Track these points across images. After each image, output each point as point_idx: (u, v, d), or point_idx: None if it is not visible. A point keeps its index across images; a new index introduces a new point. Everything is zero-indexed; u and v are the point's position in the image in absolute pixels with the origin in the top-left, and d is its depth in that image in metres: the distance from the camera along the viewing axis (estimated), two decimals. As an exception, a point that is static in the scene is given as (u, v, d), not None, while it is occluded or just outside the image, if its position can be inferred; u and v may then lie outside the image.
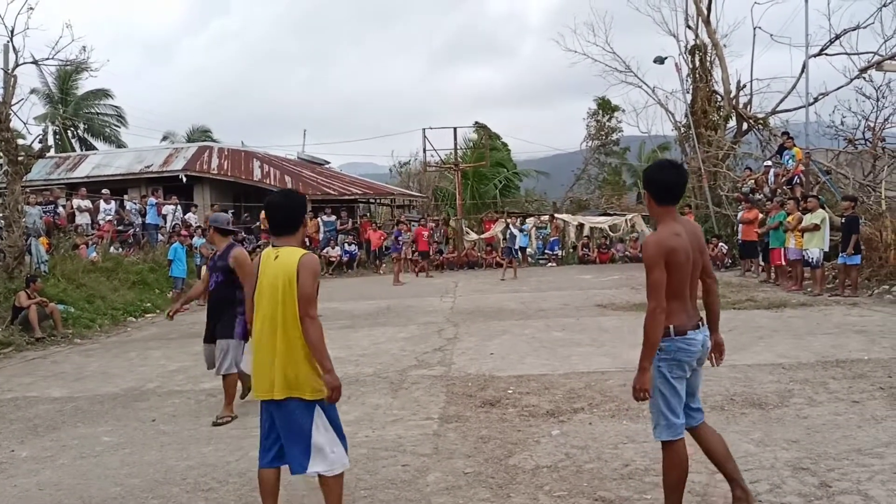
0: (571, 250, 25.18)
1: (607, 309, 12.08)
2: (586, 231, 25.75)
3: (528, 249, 24.59)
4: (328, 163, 35.88)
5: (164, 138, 39.87)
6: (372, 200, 32.29)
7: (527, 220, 25.36)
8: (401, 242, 19.98)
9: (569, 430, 5.40)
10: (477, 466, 4.71)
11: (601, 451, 4.90)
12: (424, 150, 27.89)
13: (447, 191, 34.22)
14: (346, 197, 27.37)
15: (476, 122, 38.43)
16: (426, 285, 18.29)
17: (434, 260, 23.59)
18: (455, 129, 27.92)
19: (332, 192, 26.67)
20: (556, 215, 26.04)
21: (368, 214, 30.89)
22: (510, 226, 20.12)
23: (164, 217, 20.31)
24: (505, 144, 39.18)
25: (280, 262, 3.62)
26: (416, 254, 21.84)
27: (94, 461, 5.34)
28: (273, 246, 3.72)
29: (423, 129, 27.15)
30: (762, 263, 16.25)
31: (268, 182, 26.27)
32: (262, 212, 23.10)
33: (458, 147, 29.01)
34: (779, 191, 17.35)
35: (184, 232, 18.12)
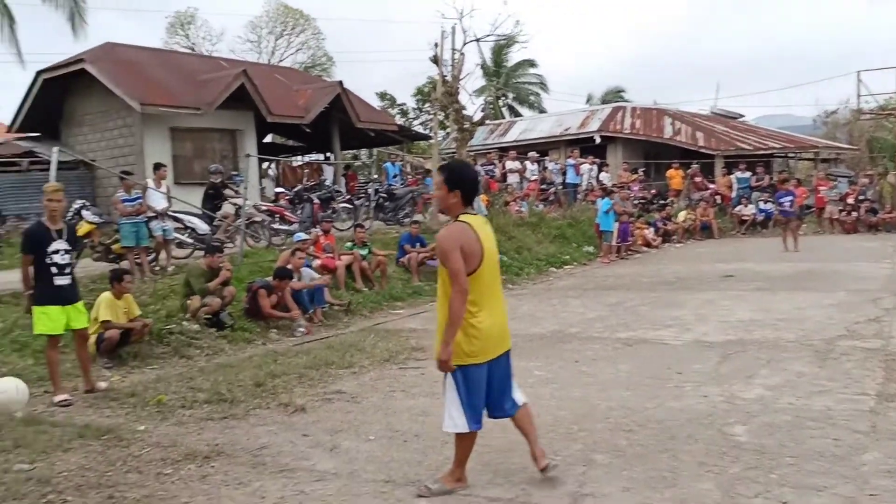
0: None
1: None
2: None
3: None
4: (742, 116, 33.66)
5: (588, 100, 41.73)
6: (791, 154, 29.41)
7: None
8: (785, 204, 16.90)
9: None
10: (928, 454, 4.18)
11: None
12: (858, 96, 24.30)
13: (886, 141, 29.33)
14: (762, 151, 25.47)
15: (935, 57, 31.96)
16: (857, 249, 16.12)
17: (864, 220, 20.54)
18: (903, 67, 23.72)
19: (747, 147, 25.11)
20: None
21: (787, 170, 28.24)
22: None
23: (581, 176, 21.50)
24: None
25: (488, 228, 4.06)
26: None
27: (529, 391, 6.04)
28: (469, 214, 3.98)
29: (858, 72, 23.69)
30: None
31: (678, 139, 25.84)
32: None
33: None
34: None
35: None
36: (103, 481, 4.34)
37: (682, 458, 4.40)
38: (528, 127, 29.89)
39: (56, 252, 6.17)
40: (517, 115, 38.86)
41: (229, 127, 18.33)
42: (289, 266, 9.62)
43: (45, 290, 6.21)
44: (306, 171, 23.20)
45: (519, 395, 4.14)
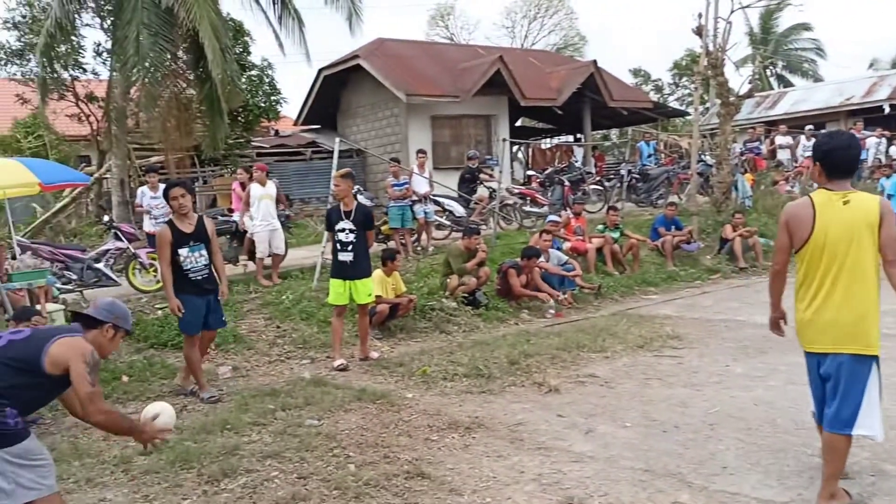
0: None
1: None
2: None
3: None
4: None
5: (870, 66, 36.81)
6: None
7: None
8: None
9: None
10: None
11: None
12: None
13: None
14: None
15: None
16: None
17: None
18: None
19: None
20: None
21: None
22: None
23: (867, 151, 18.98)
24: None
25: (854, 207, 3.42)
26: None
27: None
28: (828, 190, 3.51)
29: None
30: None
31: None
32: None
33: None
34: None
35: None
36: (379, 441, 4.77)
37: None
38: (801, 97, 27.08)
39: (341, 231, 6.89)
40: (787, 85, 35.32)
41: (484, 113, 19.01)
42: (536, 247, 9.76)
43: (333, 265, 7.05)
44: (556, 153, 23.28)
45: (852, 424, 3.47)
